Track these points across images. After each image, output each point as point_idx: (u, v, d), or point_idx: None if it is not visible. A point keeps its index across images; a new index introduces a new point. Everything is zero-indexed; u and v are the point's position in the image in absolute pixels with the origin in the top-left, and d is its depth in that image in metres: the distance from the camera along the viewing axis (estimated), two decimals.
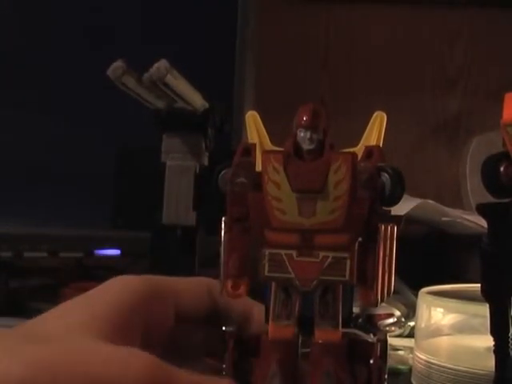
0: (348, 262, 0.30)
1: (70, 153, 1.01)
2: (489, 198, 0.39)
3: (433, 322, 0.62)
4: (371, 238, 0.31)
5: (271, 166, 0.31)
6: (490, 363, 0.41)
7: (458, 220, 0.92)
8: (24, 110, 1.01)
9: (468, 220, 0.91)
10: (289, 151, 0.31)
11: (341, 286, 0.31)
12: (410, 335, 0.70)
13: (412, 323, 0.74)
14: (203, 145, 0.59)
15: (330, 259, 0.30)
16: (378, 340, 0.32)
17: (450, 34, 1.33)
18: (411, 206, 0.86)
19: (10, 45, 1.01)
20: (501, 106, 0.37)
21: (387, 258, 0.32)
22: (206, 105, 0.60)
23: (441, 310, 0.61)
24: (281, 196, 0.31)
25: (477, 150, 1.11)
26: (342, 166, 0.30)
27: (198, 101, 0.59)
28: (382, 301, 0.32)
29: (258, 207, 0.31)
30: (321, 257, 0.30)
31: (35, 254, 0.95)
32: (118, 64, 0.55)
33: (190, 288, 0.35)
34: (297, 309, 0.32)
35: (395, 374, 0.62)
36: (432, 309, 0.62)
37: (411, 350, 0.63)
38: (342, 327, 0.31)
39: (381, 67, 1.32)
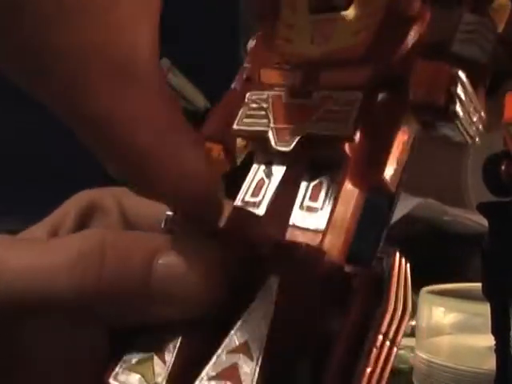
0: (357, 104, 0.19)
1: (70, 152, 1.01)
2: (490, 197, 0.39)
3: (434, 321, 0.62)
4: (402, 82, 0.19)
5: None
6: (491, 362, 0.41)
7: (459, 219, 0.92)
8: (25, 109, 1.01)
9: (469, 219, 0.91)
10: None
11: (346, 159, 0.20)
12: (411, 334, 0.70)
13: (413, 322, 0.74)
14: None
15: (331, 101, 0.20)
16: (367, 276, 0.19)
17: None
18: (412, 206, 0.86)
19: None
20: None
21: None
22: (208, 104, 0.60)
23: (442, 309, 0.61)
24: (294, 21, 0.22)
25: (478, 148, 1.11)
26: None
27: (199, 100, 0.59)
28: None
29: (266, 38, 0.23)
30: (319, 97, 0.20)
31: None
32: None
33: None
34: (269, 199, 0.21)
35: (396, 373, 0.61)
36: (433, 308, 0.61)
37: (412, 349, 0.63)
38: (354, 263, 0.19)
39: None
